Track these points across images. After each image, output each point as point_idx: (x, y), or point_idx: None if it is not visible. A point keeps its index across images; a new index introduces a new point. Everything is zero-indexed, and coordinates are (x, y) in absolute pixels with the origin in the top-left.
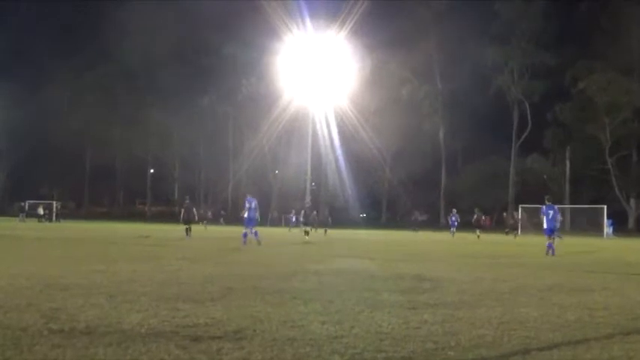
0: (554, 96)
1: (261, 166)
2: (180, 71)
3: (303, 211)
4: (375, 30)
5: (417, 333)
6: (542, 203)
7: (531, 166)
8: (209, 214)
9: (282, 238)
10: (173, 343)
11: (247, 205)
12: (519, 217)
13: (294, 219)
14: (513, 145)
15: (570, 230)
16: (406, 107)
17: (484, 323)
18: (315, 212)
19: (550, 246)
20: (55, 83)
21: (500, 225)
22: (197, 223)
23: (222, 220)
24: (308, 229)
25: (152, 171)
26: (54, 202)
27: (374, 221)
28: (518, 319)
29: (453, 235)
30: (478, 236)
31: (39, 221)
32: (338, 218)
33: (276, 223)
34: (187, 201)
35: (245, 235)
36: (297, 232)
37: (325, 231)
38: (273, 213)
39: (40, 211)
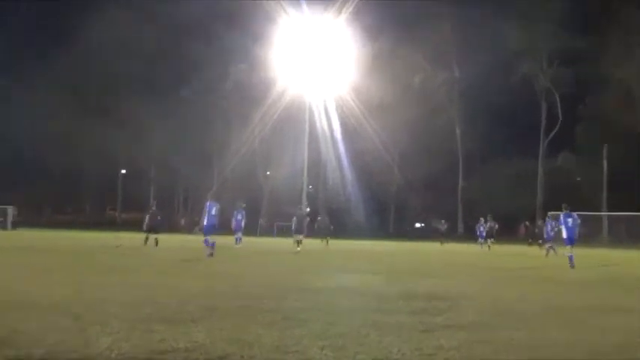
0: (588, 86)
1: (251, 165)
2: (159, 59)
3: (294, 218)
4: (380, 10)
5: None
6: (571, 210)
7: (562, 167)
8: (182, 221)
9: (273, 248)
10: None
11: (207, 209)
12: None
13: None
14: (541, 142)
15: (608, 241)
16: (417, 99)
17: (507, 348)
18: (308, 219)
19: (571, 258)
20: (11, 79)
21: (529, 235)
22: (162, 231)
23: (197, 228)
24: (300, 237)
25: (124, 172)
26: (9, 209)
27: (380, 230)
28: (547, 344)
29: (482, 246)
30: (489, 247)
31: None
32: (339, 227)
33: (266, 231)
34: (154, 207)
35: (206, 242)
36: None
37: (327, 241)
38: (262, 220)
39: None
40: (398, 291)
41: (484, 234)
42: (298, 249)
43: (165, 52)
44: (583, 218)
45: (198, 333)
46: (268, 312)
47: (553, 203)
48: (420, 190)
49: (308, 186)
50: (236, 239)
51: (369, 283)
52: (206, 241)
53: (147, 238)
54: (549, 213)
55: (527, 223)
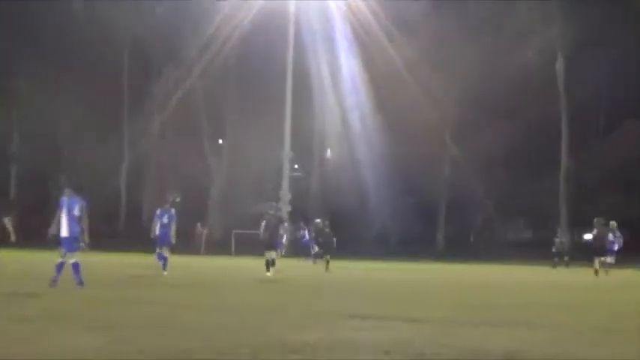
0: None
1: (189, 131)
2: None
3: (263, 223)
4: None
5: None
6: None
7: None
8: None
9: (225, 275)
10: None
11: (157, 220)
12: None
13: (305, 235)
14: None
15: None
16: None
17: None
18: (285, 224)
19: None
20: None
21: None
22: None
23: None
24: (273, 255)
25: None
26: None
27: (423, 245)
28: None
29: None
30: (596, 271)
31: None
32: (348, 239)
33: (217, 245)
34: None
35: (160, 256)
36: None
37: (327, 262)
38: (205, 227)
39: None
40: (453, 353)
41: (615, 247)
42: (269, 274)
43: None
44: None
45: None
46: None
47: None
48: (491, 174)
49: (292, 166)
50: (159, 258)
51: (399, 339)
52: (159, 255)
53: None
54: None
55: None
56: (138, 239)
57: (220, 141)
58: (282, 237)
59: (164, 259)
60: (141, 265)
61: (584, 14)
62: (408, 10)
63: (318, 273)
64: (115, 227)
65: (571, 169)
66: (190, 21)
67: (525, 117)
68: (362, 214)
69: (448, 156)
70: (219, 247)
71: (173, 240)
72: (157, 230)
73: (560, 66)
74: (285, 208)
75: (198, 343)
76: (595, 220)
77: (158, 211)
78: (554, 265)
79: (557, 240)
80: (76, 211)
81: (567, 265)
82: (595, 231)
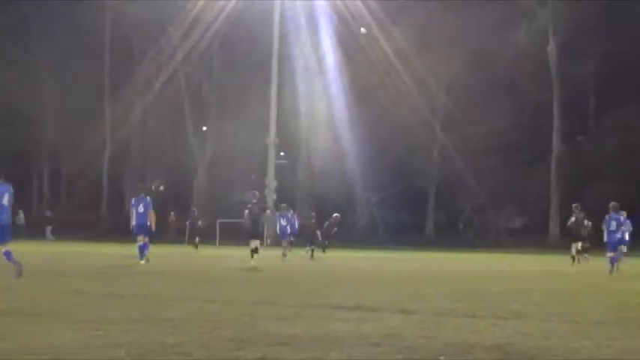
0: None
1: (173, 117)
2: None
3: (246, 212)
4: None
5: None
6: None
7: None
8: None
9: (209, 266)
10: None
11: (133, 209)
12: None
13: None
14: None
15: None
16: None
17: None
18: (268, 212)
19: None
20: None
21: None
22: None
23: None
24: (256, 244)
25: None
26: None
27: (412, 232)
28: None
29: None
30: (573, 258)
31: None
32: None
33: (204, 235)
34: None
35: (143, 246)
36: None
37: (312, 252)
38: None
39: None
40: (441, 345)
41: (627, 237)
42: (253, 263)
43: None
44: None
45: None
46: None
47: None
48: (481, 161)
49: (278, 154)
50: (140, 248)
51: (389, 330)
52: (143, 246)
53: None
54: None
55: None
56: (120, 227)
57: (204, 128)
58: (262, 226)
59: (142, 248)
60: (123, 256)
61: None
62: None
63: (305, 264)
64: (97, 215)
65: (563, 156)
66: (173, 6)
67: (517, 103)
68: (350, 202)
69: (438, 144)
70: (203, 236)
71: (153, 228)
72: (134, 219)
73: (552, 51)
74: (271, 197)
75: (182, 336)
76: (573, 205)
77: (133, 200)
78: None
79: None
80: (5, 200)
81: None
82: (573, 217)
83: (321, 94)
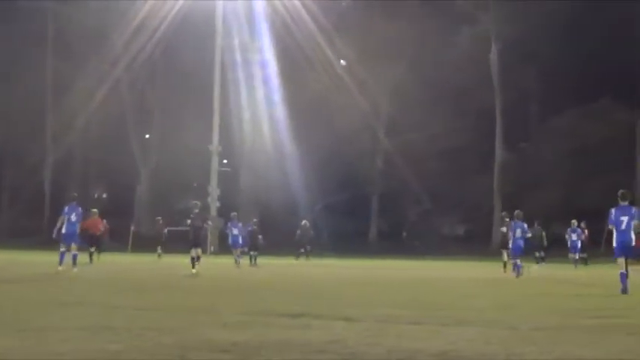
0: None
1: (117, 124)
2: None
3: (189, 221)
4: None
5: None
6: None
7: None
8: None
9: (166, 270)
10: None
11: (65, 217)
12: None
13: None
14: None
15: None
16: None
17: None
18: (210, 224)
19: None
20: None
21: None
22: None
23: None
24: (199, 252)
25: None
26: None
27: (355, 239)
28: None
29: (576, 266)
30: (504, 264)
31: None
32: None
33: (144, 243)
34: None
35: (63, 255)
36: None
37: (254, 259)
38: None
39: None
40: (382, 352)
41: (578, 245)
42: (194, 270)
43: None
44: None
45: None
46: None
47: None
48: (426, 168)
49: (221, 161)
50: (61, 255)
51: (324, 337)
52: (63, 254)
53: None
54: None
55: None
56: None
57: (147, 136)
58: (202, 234)
59: (64, 255)
60: (65, 264)
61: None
62: (340, 4)
63: (249, 271)
64: (40, 223)
65: (506, 162)
66: (116, 13)
67: (460, 109)
68: (293, 209)
69: (381, 150)
70: (146, 244)
71: (104, 236)
72: (64, 227)
73: (494, 56)
74: (214, 204)
75: (124, 344)
76: (502, 214)
77: (66, 208)
78: (537, 262)
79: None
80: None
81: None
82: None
83: (264, 101)
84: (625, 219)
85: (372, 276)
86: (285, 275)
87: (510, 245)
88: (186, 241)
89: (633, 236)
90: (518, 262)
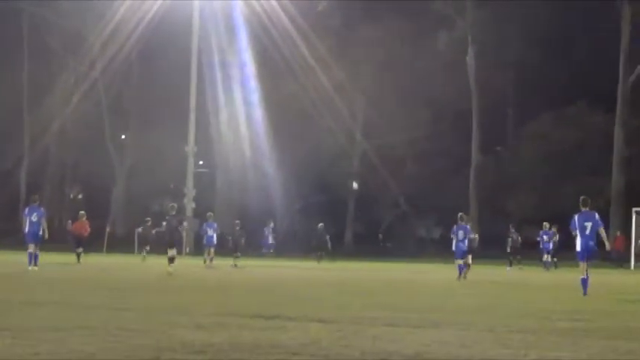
0: None
1: (93, 125)
2: None
3: (164, 224)
4: None
5: None
6: None
7: None
8: None
9: (142, 271)
10: None
11: (27, 218)
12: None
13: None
14: (620, 85)
15: None
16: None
17: None
18: (185, 225)
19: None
20: None
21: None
22: None
23: None
24: (174, 252)
25: None
26: None
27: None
28: None
29: (547, 269)
30: (468, 266)
31: None
32: (252, 235)
33: (119, 243)
34: None
35: (31, 255)
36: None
37: (320, 258)
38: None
39: None
40: (357, 355)
41: (550, 246)
42: (170, 269)
43: None
44: None
45: None
46: None
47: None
48: (403, 170)
49: (197, 162)
50: (30, 255)
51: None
52: (31, 255)
53: None
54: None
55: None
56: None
57: (123, 136)
58: (178, 235)
59: (32, 256)
60: (39, 263)
61: (495, 7)
62: (318, 6)
63: (225, 272)
64: (15, 224)
65: (482, 165)
66: (93, 14)
67: (436, 112)
68: (269, 210)
69: (358, 152)
70: (122, 245)
71: (45, 236)
72: (26, 228)
73: (470, 60)
74: (190, 205)
75: (98, 345)
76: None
77: (27, 210)
78: (511, 264)
79: (511, 238)
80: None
81: (519, 262)
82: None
83: (241, 102)
84: (589, 225)
85: (347, 278)
86: (260, 277)
87: (453, 248)
88: (161, 242)
89: (598, 241)
90: (461, 263)
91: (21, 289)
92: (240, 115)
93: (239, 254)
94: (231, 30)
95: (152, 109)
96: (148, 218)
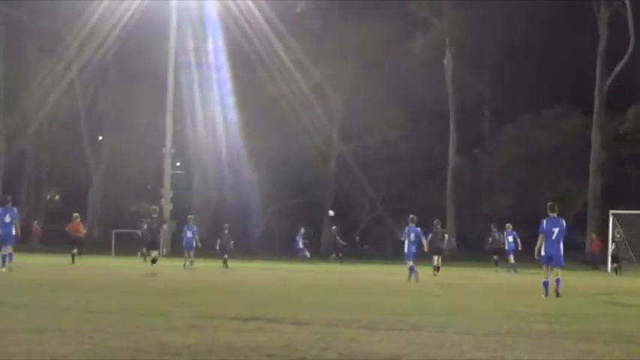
0: None
1: (70, 126)
2: None
3: (145, 226)
4: None
5: None
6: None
7: (634, 128)
8: None
9: (119, 273)
10: None
11: (0, 218)
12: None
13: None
14: (597, 88)
15: None
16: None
17: None
18: (165, 227)
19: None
20: None
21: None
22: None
23: None
24: (156, 254)
25: None
26: None
27: (309, 244)
28: None
29: (515, 270)
30: (435, 269)
31: None
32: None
33: (99, 244)
34: None
35: (4, 257)
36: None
37: (339, 260)
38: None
39: None
40: None
41: (513, 247)
42: (153, 270)
43: None
44: None
45: None
46: None
47: (616, 191)
48: (378, 172)
49: (174, 163)
50: (2, 257)
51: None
52: (9, 256)
53: None
54: (612, 212)
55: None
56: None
57: (100, 137)
58: (159, 237)
59: (5, 257)
60: (15, 265)
61: (472, 8)
62: (295, 7)
63: (201, 274)
64: None
65: (459, 167)
66: (69, 14)
67: (414, 114)
68: (247, 212)
69: (335, 154)
70: (99, 246)
71: (19, 236)
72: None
73: (448, 62)
74: (167, 207)
75: (74, 347)
76: (435, 221)
77: (0, 210)
78: (497, 264)
79: (493, 237)
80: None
81: (496, 264)
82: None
83: (218, 103)
84: (556, 230)
85: (324, 280)
86: (236, 278)
87: (405, 250)
88: (140, 243)
89: (562, 247)
90: (412, 264)
91: None
92: (217, 117)
93: (226, 257)
94: (208, 31)
95: (129, 111)
96: (143, 218)
